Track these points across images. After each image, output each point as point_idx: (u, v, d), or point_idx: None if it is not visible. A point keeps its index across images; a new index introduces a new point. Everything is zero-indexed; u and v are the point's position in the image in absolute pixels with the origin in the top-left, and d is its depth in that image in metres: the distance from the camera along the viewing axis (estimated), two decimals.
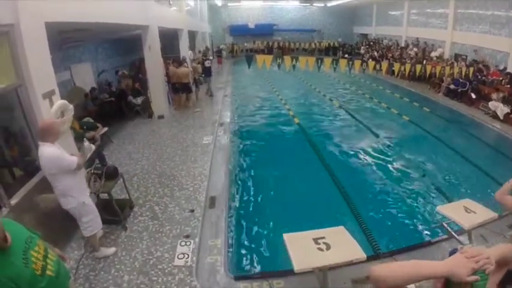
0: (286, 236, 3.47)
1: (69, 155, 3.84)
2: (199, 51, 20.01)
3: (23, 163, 5.03)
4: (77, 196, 3.96)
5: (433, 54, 19.21)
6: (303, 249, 3.33)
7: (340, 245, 3.40)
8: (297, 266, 3.11)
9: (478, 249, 1.28)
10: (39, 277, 2.30)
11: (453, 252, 1.84)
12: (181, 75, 11.53)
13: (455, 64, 15.79)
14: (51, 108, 4.70)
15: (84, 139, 4.19)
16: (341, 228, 3.71)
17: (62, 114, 4.83)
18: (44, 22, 4.71)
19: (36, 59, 4.60)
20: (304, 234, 3.54)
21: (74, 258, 4.48)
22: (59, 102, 4.82)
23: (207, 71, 15.12)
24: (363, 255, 3.31)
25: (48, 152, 3.61)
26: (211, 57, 18.98)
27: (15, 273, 2.15)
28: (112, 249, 4.62)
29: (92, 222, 4.21)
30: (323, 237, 3.44)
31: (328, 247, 3.32)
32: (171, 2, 13.61)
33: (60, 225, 4.54)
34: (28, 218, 4.06)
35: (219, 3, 31.20)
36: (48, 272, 2.39)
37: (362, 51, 27.68)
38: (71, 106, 5.01)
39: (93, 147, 6.35)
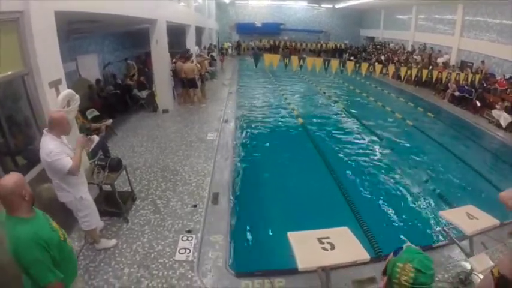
0: (291, 235, 3.44)
1: (67, 154, 3.60)
2: (205, 48, 20.00)
3: (26, 152, 5.01)
4: (73, 191, 3.89)
5: (439, 60, 19.13)
6: (308, 248, 3.30)
7: (344, 245, 3.38)
8: (301, 265, 3.08)
9: None
10: (63, 243, 2.55)
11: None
12: (188, 70, 11.50)
13: (463, 71, 15.70)
14: (58, 97, 4.68)
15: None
16: (345, 228, 3.68)
17: (67, 103, 4.80)
18: (53, 10, 4.68)
19: (44, 47, 4.57)
20: (309, 233, 3.51)
21: (74, 249, 4.45)
22: (65, 91, 4.80)
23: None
24: (366, 256, 3.29)
25: (48, 146, 3.48)
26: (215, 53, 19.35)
27: (47, 236, 2.38)
28: (113, 241, 4.60)
29: (88, 217, 4.16)
30: (327, 237, 3.41)
31: (332, 247, 3.30)
32: None
33: (61, 216, 4.49)
34: None
35: (227, 1, 31.20)
36: (68, 241, 2.68)
37: (370, 49, 27.59)
38: (77, 96, 4.98)
39: (96, 138, 6.35)
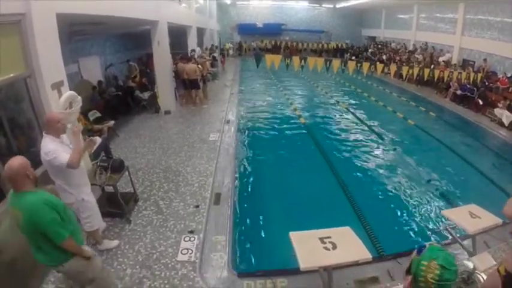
0: (293, 235, 3.44)
1: (66, 152, 3.58)
2: (206, 48, 20.02)
3: (29, 153, 5.02)
4: (75, 193, 3.90)
5: (440, 59, 19.08)
6: (309, 248, 3.30)
7: (346, 245, 3.38)
8: (303, 264, 3.09)
9: None
10: (67, 209, 2.91)
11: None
12: (190, 71, 11.51)
13: (464, 70, 15.65)
14: (60, 99, 4.69)
15: (69, 126, 4.05)
16: (347, 228, 3.68)
17: (70, 105, 4.83)
18: (55, 13, 4.70)
19: (46, 49, 4.59)
20: (311, 233, 3.52)
21: None
22: (67, 93, 4.82)
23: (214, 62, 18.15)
24: (368, 256, 3.29)
25: (47, 146, 3.50)
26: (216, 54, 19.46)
27: (54, 199, 2.79)
28: (115, 242, 4.61)
29: (91, 219, 4.16)
30: (329, 237, 3.42)
31: (334, 247, 3.30)
32: None
33: None
34: None
35: (228, 2, 31.21)
36: (69, 211, 2.97)
37: (370, 52, 27.54)
38: (79, 98, 5.00)
39: (99, 140, 6.37)
